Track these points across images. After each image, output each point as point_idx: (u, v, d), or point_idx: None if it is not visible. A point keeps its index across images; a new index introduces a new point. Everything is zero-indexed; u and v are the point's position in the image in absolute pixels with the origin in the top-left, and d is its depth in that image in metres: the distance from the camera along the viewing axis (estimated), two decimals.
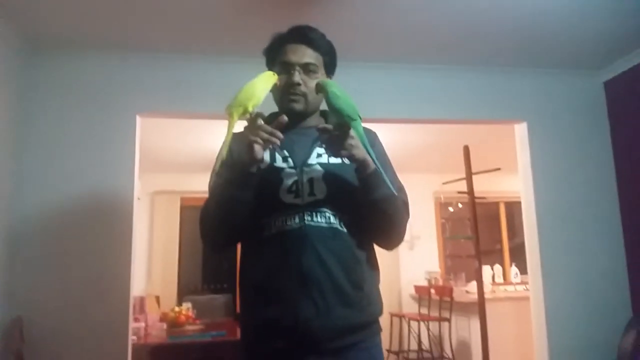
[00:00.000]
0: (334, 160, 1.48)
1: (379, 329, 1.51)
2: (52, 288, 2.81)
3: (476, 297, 4.15)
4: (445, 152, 5.48)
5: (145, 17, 2.74)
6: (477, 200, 4.18)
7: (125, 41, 3.01)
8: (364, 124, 1.43)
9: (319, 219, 1.43)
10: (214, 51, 3.12)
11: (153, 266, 6.30)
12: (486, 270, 6.19)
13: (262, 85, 1.42)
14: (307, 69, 1.52)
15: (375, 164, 1.40)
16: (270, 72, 1.48)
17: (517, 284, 6.11)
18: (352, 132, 1.37)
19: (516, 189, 3.74)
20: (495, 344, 4.20)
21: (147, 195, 6.30)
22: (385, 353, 5.31)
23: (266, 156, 1.48)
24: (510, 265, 6.66)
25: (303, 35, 1.55)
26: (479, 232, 4.14)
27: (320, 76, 1.55)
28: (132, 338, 2.99)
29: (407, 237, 1.58)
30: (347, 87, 1.43)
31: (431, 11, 2.75)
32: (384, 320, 1.52)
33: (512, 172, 3.85)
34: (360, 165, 1.40)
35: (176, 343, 3.64)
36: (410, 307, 6.50)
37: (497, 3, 2.70)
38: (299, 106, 1.53)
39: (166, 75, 3.14)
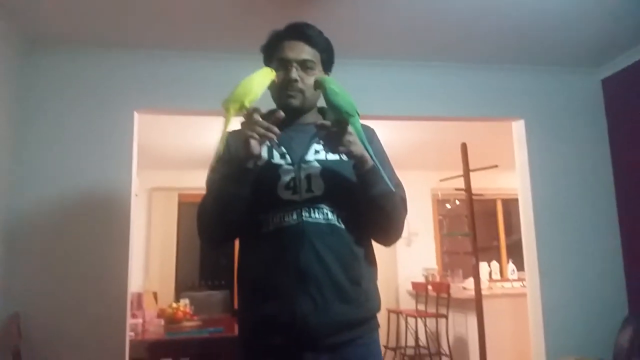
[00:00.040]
0: (332, 156, 1.48)
1: (376, 325, 1.51)
2: (49, 284, 2.81)
3: (473, 294, 4.16)
4: (442, 150, 5.48)
5: (144, 14, 2.73)
6: (474, 198, 4.19)
7: (123, 38, 3.00)
8: (362, 121, 1.43)
9: (317, 216, 1.43)
10: (212, 48, 3.12)
11: (151, 262, 6.29)
12: (483, 267, 6.20)
13: (259, 81, 1.42)
14: (304, 65, 1.52)
15: (373, 160, 1.40)
16: (269, 69, 1.48)
17: (514, 280, 6.12)
18: (350, 129, 1.37)
19: (513, 186, 3.75)
20: (492, 340, 4.21)
21: (144, 192, 6.30)
22: (382, 349, 5.32)
23: (264, 153, 1.48)
24: (508, 262, 6.67)
25: (300, 32, 1.55)
26: (476, 229, 4.14)
27: (318, 73, 1.55)
28: (129, 334, 3.00)
29: (404, 233, 1.58)
30: (345, 84, 1.43)
31: (430, 9, 2.76)
32: (381, 317, 1.52)
33: (509, 169, 3.85)
34: (358, 162, 1.40)
35: (174, 339, 3.64)
36: (408, 304, 6.51)
37: (496, 2, 2.70)
38: (296, 102, 1.53)
39: (164, 72, 3.14)
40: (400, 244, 6.41)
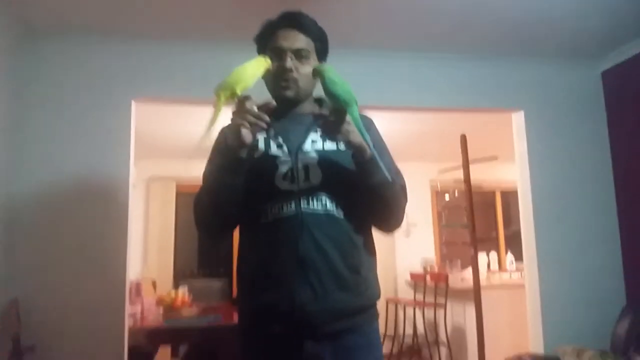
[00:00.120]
0: (329, 146, 1.48)
1: (376, 314, 1.52)
2: (49, 272, 2.82)
3: (471, 284, 4.17)
4: (442, 141, 5.46)
5: (142, 3, 2.71)
6: (473, 189, 4.19)
7: (121, 27, 2.98)
8: (360, 112, 1.43)
9: (315, 205, 1.43)
10: (211, 37, 3.10)
11: (149, 251, 6.30)
12: (482, 257, 6.21)
13: (252, 70, 1.41)
14: (299, 54, 1.51)
15: (371, 148, 1.40)
16: (262, 57, 1.47)
17: (513, 271, 6.13)
18: (348, 118, 1.37)
19: (512, 177, 3.75)
20: (490, 330, 4.22)
21: (142, 182, 6.29)
22: (381, 338, 5.33)
23: (261, 144, 1.49)
24: (506, 253, 6.68)
25: (294, 20, 1.54)
26: (475, 220, 4.15)
27: (312, 62, 1.54)
28: (128, 321, 3.01)
29: (403, 224, 1.58)
30: (343, 74, 1.41)
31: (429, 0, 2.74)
32: (379, 306, 1.53)
33: (508, 160, 3.85)
34: (357, 151, 1.39)
35: (172, 327, 3.66)
36: (406, 293, 6.53)
37: None
38: (290, 93, 1.52)
39: (162, 61, 3.12)
40: (399, 234, 6.42)
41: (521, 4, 2.80)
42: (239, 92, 1.36)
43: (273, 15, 1.58)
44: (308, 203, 1.43)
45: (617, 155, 3.50)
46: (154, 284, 5.47)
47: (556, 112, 3.52)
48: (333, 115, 1.37)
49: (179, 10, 2.81)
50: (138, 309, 3.79)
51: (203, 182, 1.51)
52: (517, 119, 3.56)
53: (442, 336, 5.51)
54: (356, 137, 1.37)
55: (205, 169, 1.53)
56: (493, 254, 6.62)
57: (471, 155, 4.20)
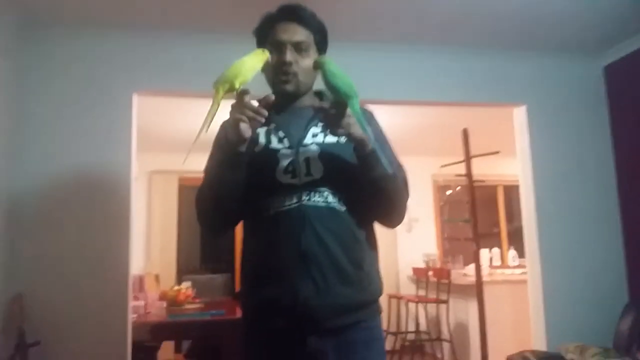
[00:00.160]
0: (330, 139, 1.48)
1: (379, 309, 1.51)
2: (52, 267, 2.82)
3: (474, 280, 4.18)
4: (444, 135, 5.45)
5: None
6: (475, 184, 4.18)
7: (123, 19, 2.98)
8: (361, 105, 1.42)
9: (317, 199, 1.43)
10: (214, 29, 3.09)
11: (152, 245, 6.30)
12: (484, 253, 6.20)
13: (250, 63, 1.40)
14: (298, 47, 1.50)
15: (372, 142, 1.39)
16: (261, 50, 1.46)
17: (515, 267, 6.13)
18: (349, 111, 1.36)
19: (515, 172, 3.74)
20: (492, 326, 4.23)
21: (144, 175, 6.27)
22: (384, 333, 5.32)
23: (262, 138, 1.49)
24: (508, 248, 6.68)
25: (293, 13, 1.53)
26: (477, 215, 4.15)
27: (312, 54, 1.53)
28: (132, 316, 3.02)
29: (405, 219, 1.58)
30: (344, 68, 1.41)
31: None
32: (382, 302, 1.52)
33: (510, 155, 3.84)
34: (358, 144, 1.39)
35: (175, 321, 3.67)
36: (408, 289, 6.53)
37: None
38: (291, 87, 1.52)
39: (164, 53, 3.12)
40: (400, 229, 6.41)
41: None
42: (237, 86, 1.36)
43: (274, 8, 1.57)
44: (310, 197, 1.43)
45: (620, 150, 3.49)
46: (157, 279, 5.49)
47: (558, 107, 3.51)
48: (334, 108, 1.37)
49: (183, 3, 2.81)
50: (141, 303, 3.80)
51: (204, 178, 1.51)
52: (520, 113, 3.55)
53: (445, 332, 5.52)
54: (357, 130, 1.37)
55: (207, 164, 1.53)
56: (495, 250, 6.62)
57: (473, 149, 4.20)
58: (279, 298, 1.39)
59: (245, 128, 1.34)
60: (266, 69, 1.51)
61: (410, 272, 6.54)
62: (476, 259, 4.14)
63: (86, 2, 2.79)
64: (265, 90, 1.56)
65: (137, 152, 3.13)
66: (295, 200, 1.42)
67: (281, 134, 1.50)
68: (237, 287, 1.57)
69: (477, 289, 4.04)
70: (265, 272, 1.44)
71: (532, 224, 3.41)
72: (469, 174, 4.18)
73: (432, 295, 5.63)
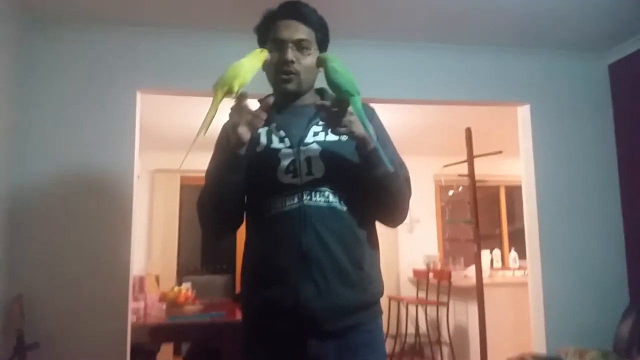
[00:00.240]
0: (331, 137, 1.47)
1: (379, 311, 1.51)
2: (52, 267, 2.81)
3: (474, 282, 4.16)
4: (446, 134, 5.44)
5: None
6: (477, 184, 4.17)
7: (127, 16, 2.96)
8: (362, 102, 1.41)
9: (318, 198, 1.42)
10: (217, 27, 3.07)
11: (153, 245, 6.29)
12: (485, 255, 6.19)
13: (249, 64, 1.39)
14: (299, 45, 1.49)
15: (373, 140, 1.38)
16: (259, 49, 1.45)
17: (516, 269, 6.12)
18: (350, 109, 1.35)
19: (517, 172, 3.73)
20: (492, 329, 4.22)
21: (147, 173, 6.26)
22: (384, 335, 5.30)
23: (263, 138, 1.49)
24: (509, 250, 6.66)
25: (295, 10, 1.52)
26: (478, 216, 4.13)
27: (314, 52, 1.52)
28: (131, 318, 3.00)
29: (406, 220, 1.57)
30: (346, 65, 1.40)
31: None
32: (382, 304, 1.51)
33: (513, 155, 3.83)
34: (359, 142, 1.38)
35: (175, 323, 3.65)
36: (409, 291, 6.52)
37: None
38: (292, 85, 1.51)
39: (168, 51, 3.10)
40: (402, 230, 6.41)
41: None
42: (236, 87, 1.35)
43: (276, 5, 1.56)
44: (311, 196, 1.42)
45: (623, 150, 3.47)
46: (157, 280, 5.48)
47: (562, 106, 3.49)
48: (335, 106, 1.36)
49: (184, 0, 2.79)
50: (141, 305, 3.78)
51: (205, 181, 1.51)
52: (523, 112, 3.53)
53: (445, 335, 5.50)
54: (359, 129, 1.35)
55: (208, 167, 1.52)
56: (496, 252, 6.60)
57: (476, 149, 4.18)
58: (280, 300, 1.38)
59: (244, 131, 1.34)
60: (267, 67, 1.50)
61: (411, 274, 6.53)
62: (477, 261, 4.13)
63: (88, 2, 2.78)
64: (266, 88, 1.55)
65: (140, 150, 3.12)
66: (296, 200, 1.41)
67: (282, 133, 1.49)
68: (238, 289, 1.57)
69: (478, 292, 4.02)
70: (266, 274, 1.43)
71: (534, 225, 3.39)
72: (471, 174, 4.16)
73: (433, 298, 5.61)
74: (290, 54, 1.47)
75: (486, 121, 4.53)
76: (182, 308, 3.82)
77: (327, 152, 1.46)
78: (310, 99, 1.56)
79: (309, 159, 1.44)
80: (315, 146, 1.46)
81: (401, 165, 1.51)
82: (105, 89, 3.00)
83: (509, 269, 6.31)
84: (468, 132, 4.19)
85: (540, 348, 3.27)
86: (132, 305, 3.04)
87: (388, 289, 6.26)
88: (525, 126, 3.51)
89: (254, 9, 1.60)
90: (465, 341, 5.27)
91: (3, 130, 2.72)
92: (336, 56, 1.42)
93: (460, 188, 6.71)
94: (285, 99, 1.53)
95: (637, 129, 3.38)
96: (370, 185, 1.43)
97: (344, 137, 1.39)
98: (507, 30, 3.21)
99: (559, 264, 3.33)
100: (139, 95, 3.06)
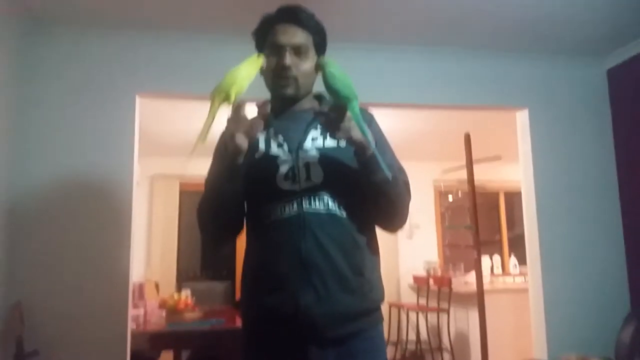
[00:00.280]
0: (330, 143, 1.47)
1: (380, 318, 1.50)
2: (52, 273, 2.80)
3: (475, 288, 4.15)
4: (445, 140, 5.44)
5: None
6: (477, 190, 4.16)
7: (126, 20, 2.96)
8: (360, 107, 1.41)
9: (317, 204, 1.42)
10: (216, 31, 3.07)
11: (152, 252, 6.27)
12: (485, 261, 6.19)
13: (245, 71, 1.38)
14: (297, 50, 1.49)
15: (372, 146, 1.38)
16: (255, 56, 1.45)
17: (516, 275, 6.11)
18: (348, 114, 1.34)
19: (516, 178, 3.72)
20: (493, 336, 4.20)
21: (146, 179, 6.25)
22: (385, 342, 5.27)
23: (261, 144, 1.49)
24: (509, 256, 6.66)
25: (292, 15, 1.51)
26: (478, 222, 4.12)
27: (311, 57, 1.52)
28: (131, 325, 2.99)
29: (406, 226, 1.56)
30: (344, 70, 1.40)
31: None
32: (382, 311, 1.51)
33: (512, 161, 3.83)
34: (358, 148, 1.38)
35: (175, 330, 3.64)
36: (409, 297, 6.51)
37: None
38: (290, 91, 1.50)
39: (168, 55, 3.09)
40: (401, 236, 6.40)
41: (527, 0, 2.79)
42: (233, 96, 1.34)
43: (274, 9, 1.56)
44: (310, 203, 1.42)
45: (622, 155, 3.47)
46: (156, 286, 5.47)
47: (561, 110, 3.49)
48: (333, 112, 1.35)
49: (186, 4, 2.79)
50: (141, 311, 3.78)
51: (204, 188, 1.51)
52: (522, 117, 3.53)
53: (446, 342, 5.49)
54: (357, 134, 1.35)
55: (207, 175, 1.52)
56: (496, 257, 6.60)
57: (475, 154, 4.18)
58: (280, 306, 1.38)
59: (241, 141, 1.33)
60: (265, 72, 1.50)
61: (411, 280, 6.52)
62: (477, 267, 4.11)
63: (88, 3, 2.78)
64: (263, 92, 1.55)
65: (139, 155, 3.11)
66: (295, 206, 1.41)
67: (280, 138, 1.49)
68: (238, 295, 1.56)
69: (479, 298, 4.01)
70: (265, 280, 1.43)
71: (534, 230, 3.39)
72: (470, 180, 4.15)
73: (433, 304, 5.60)
74: (288, 59, 1.47)
75: (484, 126, 4.54)
76: (182, 315, 3.81)
77: (326, 158, 1.45)
78: (308, 103, 1.56)
79: (307, 165, 1.44)
80: (313, 152, 1.46)
81: (400, 170, 1.50)
82: (105, 92, 2.99)
83: (509, 275, 6.31)
84: (467, 137, 4.19)
85: (542, 354, 3.26)
86: (131, 312, 3.03)
87: (388, 296, 6.26)
88: (524, 131, 3.51)
89: (253, 13, 1.60)
90: (466, 348, 5.26)
91: (2, 134, 2.72)
92: (335, 61, 1.42)
93: (460, 194, 6.71)
94: (283, 104, 1.53)
95: (635, 133, 3.38)
96: (369, 190, 1.43)
97: (343, 143, 1.39)
98: (505, 35, 3.22)
99: (559, 269, 3.32)
100: (138, 99, 3.05)
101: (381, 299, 1.49)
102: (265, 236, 1.45)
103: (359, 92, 1.37)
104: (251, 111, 1.35)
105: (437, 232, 6.95)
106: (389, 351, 5.87)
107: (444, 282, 5.44)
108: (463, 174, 4.26)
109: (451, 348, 5.41)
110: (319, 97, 1.60)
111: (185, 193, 6.44)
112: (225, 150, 1.37)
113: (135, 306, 3.62)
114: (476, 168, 4.17)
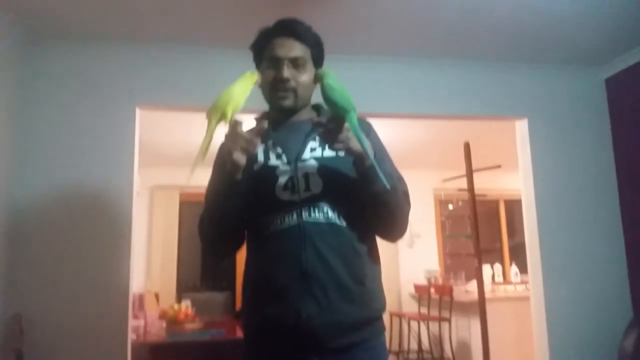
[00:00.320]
0: (328, 153, 1.47)
1: (382, 327, 1.49)
2: (51, 285, 2.79)
3: (476, 297, 4.14)
4: (445, 149, 5.45)
5: (148, 8, 2.71)
6: (477, 198, 4.16)
7: (127, 32, 2.98)
8: (359, 116, 1.41)
9: (317, 215, 1.42)
10: (216, 43, 3.09)
11: (152, 262, 6.26)
12: (486, 269, 6.18)
13: (240, 89, 1.39)
14: (295, 63, 1.50)
15: (369, 156, 1.37)
16: (249, 73, 1.45)
17: (517, 283, 6.09)
18: (346, 125, 1.35)
19: (516, 186, 3.73)
20: (495, 345, 4.19)
21: (146, 190, 6.25)
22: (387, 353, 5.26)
23: (260, 155, 1.49)
24: (510, 264, 6.64)
25: (290, 28, 1.53)
26: (479, 230, 4.12)
27: (309, 69, 1.53)
28: (131, 336, 2.97)
29: (406, 235, 1.56)
30: (343, 81, 1.41)
31: (431, 5, 2.73)
32: (384, 320, 1.50)
33: (512, 169, 3.83)
34: (357, 158, 1.38)
35: (175, 342, 3.63)
36: (410, 306, 6.49)
37: None
38: (288, 103, 1.51)
39: (168, 67, 3.11)
40: (402, 245, 6.40)
41: (525, 10, 2.80)
42: (230, 114, 1.35)
43: (272, 23, 1.57)
44: (310, 213, 1.42)
45: (621, 163, 3.48)
46: (156, 297, 5.45)
47: (560, 120, 3.51)
48: (331, 123, 1.36)
49: (186, 17, 2.81)
50: (141, 322, 3.76)
51: (204, 204, 1.51)
52: (521, 126, 3.54)
53: (448, 351, 5.47)
54: (355, 145, 1.36)
55: (206, 190, 1.52)
56: (497, 266, 6.59)
57: (474, 163, 4.19)
58: (281, 317, 1.37)
59: (239, 157, 1.33)
60: (263, 85, 1.51)
61: (412, 289, 6.50)
62: (478, 276, 4.11)
63: (88, 17, 2.79)
64: (261, 104, 1.56)
65: (139, 166, 3.12)
66: (295, 217, 1.41)
67: (279, 149, 1.49)
68: (238, 306, 1.56)
69: (480, 307, 4.00)
70: (266, 291, 1.42)
71: (534, 238, 3.38)
72: (470, 189, 4.16)
73: (434, 313, 5.59)
74: (286, 72, 1.48)
75: (484, 135, 4.55)
76: (182, 326, 3.80)
77: (325, 168, 1.46)
78: (306, 114, 1.57)
79: (306, 175, 1.45)
80: (312, 162, 1.46)
81: (399, 180, 1.50)
82: (105, 104, 3.00)
83: (510, 283, 6.29)
84: (467, 146, 4.20)
85: None
86: (132, 323, 3.02)
87: (389, 305, 6.23)
88: (523, 140, 3.52)
89: (251, 26, 1.61)
90: (468, 357, 5.24)
91: (2, 146, 2.72)
92: (333, 72, 1.43)
93: (460, 202, 6.71)
94: (281, 116, 1.54)
95: (634, 142, 3.38)
96: (368, 200, 1.43)
97: (342, 152, 1.39)
98: (504, 45, 3.23)
99: (560, 276, 3.31)
100: (138, 111, 3.06)
101: (383, 308, 1.48)
102: (265, 247, 1.45)
103: (359, 103, 1.38)
104: (248, 125, 1.36)
105: (437, 241, 6.94)
106: None
107: (445, 291, 5.43)
108: (463, 183, 4.26)
109: (453, 357, 5.39)
110: (317, 108, 1.61)
111: (185, 203, 6.44)
112: (224, 167, 1.38)
113: (135, 317, 3.61)
114: (476, 177, 4.18)
